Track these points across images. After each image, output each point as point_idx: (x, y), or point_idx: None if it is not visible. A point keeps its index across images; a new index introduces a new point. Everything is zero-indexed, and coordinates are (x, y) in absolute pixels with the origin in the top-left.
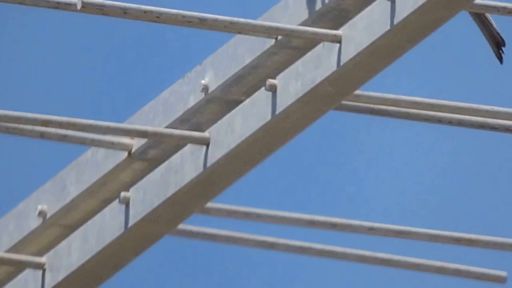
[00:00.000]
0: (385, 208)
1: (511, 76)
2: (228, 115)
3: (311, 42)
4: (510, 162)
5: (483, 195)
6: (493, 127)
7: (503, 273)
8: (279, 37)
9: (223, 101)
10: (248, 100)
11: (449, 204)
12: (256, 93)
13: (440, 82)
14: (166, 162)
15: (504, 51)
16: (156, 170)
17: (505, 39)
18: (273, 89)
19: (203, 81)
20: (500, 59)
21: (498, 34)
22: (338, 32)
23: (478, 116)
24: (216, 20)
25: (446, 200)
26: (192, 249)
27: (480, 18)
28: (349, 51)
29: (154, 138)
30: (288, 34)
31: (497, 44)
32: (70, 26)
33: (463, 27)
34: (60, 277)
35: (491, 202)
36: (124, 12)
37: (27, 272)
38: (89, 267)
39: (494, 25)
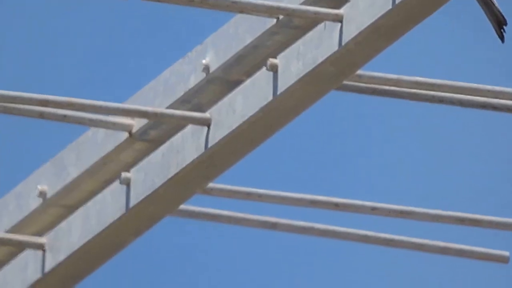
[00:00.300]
0: (388, 188)
1: None
2: (229, 95)
3: (313, 21)
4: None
5: (486, 175)
6: (495, 107)
7: (506, 253)
8: (280, 17)
9: (224, 81)
10: (249, 80)
11: (452, 184)
12: (257, 73)
13: (441, 62)
14: (167, 143)
15: (506, 30)
16: (157, 151)
17: (506, 18)
18: (274, 69)
19: (204, 61)
20: (502, 38)
21: (500, 13)
22: (340, 11)
23: (480, 96)
24: None
25: (449, 180)
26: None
27: None
28: (351, 31)
29: (154, 118)
30: (289, 13)
31: (499, 23)
32: (70, 5)
33: (465, 5)
34: (61, 257)
35: (494, 182)
36: None
37: (27, 252)
38: (90, 248)
39: (496, 4)
